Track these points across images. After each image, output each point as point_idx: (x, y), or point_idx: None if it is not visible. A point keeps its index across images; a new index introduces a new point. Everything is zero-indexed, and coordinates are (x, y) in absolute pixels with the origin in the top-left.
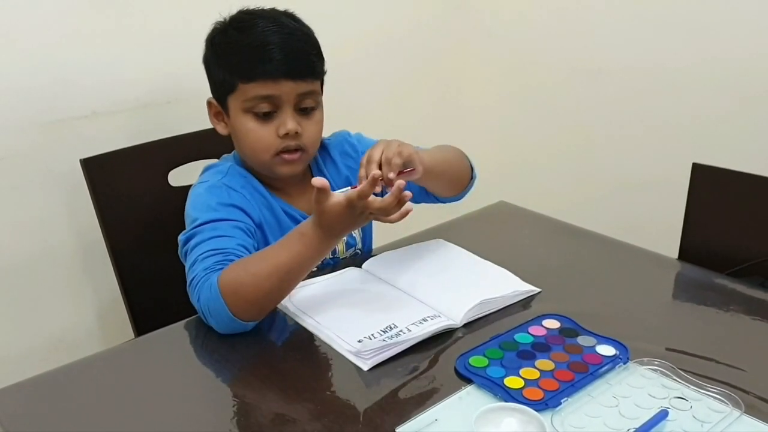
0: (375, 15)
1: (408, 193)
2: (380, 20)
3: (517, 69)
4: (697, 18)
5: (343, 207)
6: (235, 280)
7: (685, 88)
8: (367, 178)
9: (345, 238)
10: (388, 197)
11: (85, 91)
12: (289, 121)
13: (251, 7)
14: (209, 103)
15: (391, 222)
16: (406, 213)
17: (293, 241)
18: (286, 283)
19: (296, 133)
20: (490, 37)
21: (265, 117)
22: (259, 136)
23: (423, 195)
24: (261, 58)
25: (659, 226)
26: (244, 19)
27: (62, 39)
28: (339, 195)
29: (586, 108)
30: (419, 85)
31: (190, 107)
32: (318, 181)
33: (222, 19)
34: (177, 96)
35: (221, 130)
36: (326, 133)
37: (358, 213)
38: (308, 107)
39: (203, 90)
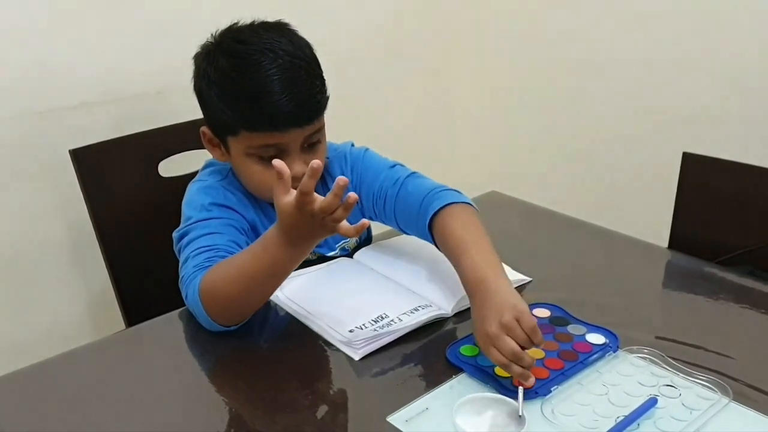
0: (368, 8)
1: (353, 194)
2: (374, 13)
3: (508, 60)
4: (688, 9)
5: (293, 207)
6: (212, 282)
7: (676, 78)
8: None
9: (337, 251)
10: (328, 195)
11: (75, 81)
12: (296, 165)
13: (239, 25)
14: (203, 132)
15: (348, 236)
16: (362, 227)
17: (258, 246)
18: (255, 288)
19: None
20: (483, 30)
21: (270, 159)
22: (264, 178)
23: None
24: (266, 111)
25: (649, 215)
26: (238, 52)
27: (51, 28)
28: (292, 192)
29: (576, 98)
30: (412, 77)
31: (180, 98)
32: (277, 162)
33: (211, 40)
34: (167, 86)
35: (218, 157)
36: (335, 140)
37: (309, 215)
38: (314, 142)
39: None
